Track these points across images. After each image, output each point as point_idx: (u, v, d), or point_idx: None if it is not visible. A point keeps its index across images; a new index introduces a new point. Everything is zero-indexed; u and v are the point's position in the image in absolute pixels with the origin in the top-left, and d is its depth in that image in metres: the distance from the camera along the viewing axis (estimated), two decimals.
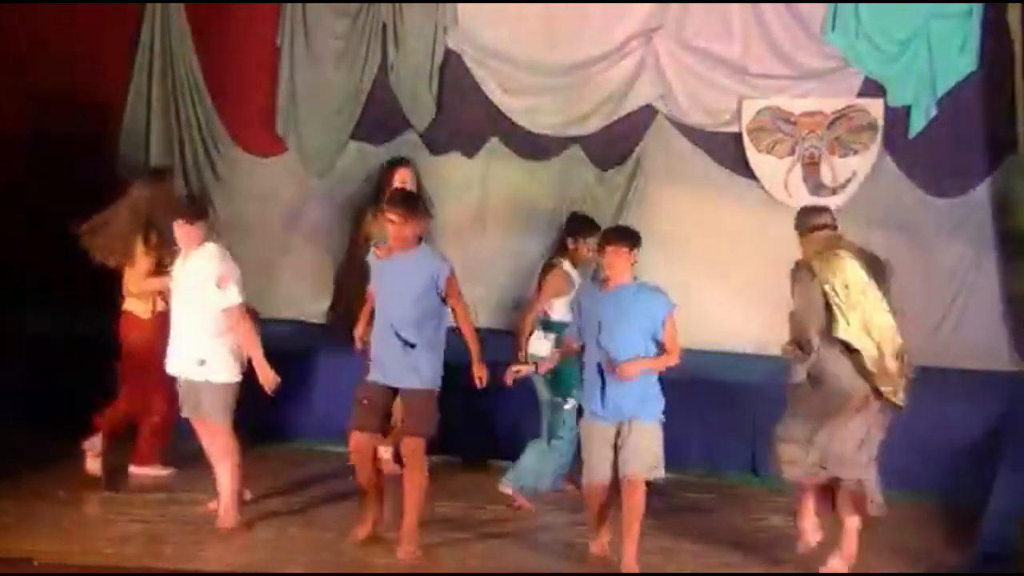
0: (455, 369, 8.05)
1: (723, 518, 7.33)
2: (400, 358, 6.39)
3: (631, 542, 6.34)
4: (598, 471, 6.37)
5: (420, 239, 6.59)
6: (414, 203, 6.63)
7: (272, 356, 8.53)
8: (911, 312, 8.61)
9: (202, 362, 6.67)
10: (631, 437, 6.30)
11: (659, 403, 6.39)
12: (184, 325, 6.77)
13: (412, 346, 6.38)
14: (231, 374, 6.74)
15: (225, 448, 6.71)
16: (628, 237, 6.36)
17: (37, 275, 9.40)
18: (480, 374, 6.61)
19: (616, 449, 6.33)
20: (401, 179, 7.51)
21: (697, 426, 8.06)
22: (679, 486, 7.83)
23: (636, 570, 6.34)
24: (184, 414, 6.86)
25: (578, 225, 7.51)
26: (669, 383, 7.91)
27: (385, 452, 7.60)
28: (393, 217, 6.42)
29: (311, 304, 9.38)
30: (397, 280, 6.42)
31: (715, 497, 7.73)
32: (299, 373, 8.53)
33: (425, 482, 6.57)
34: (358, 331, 6.69)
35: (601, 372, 6.28)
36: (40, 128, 9.69)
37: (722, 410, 8.06)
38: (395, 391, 6.48)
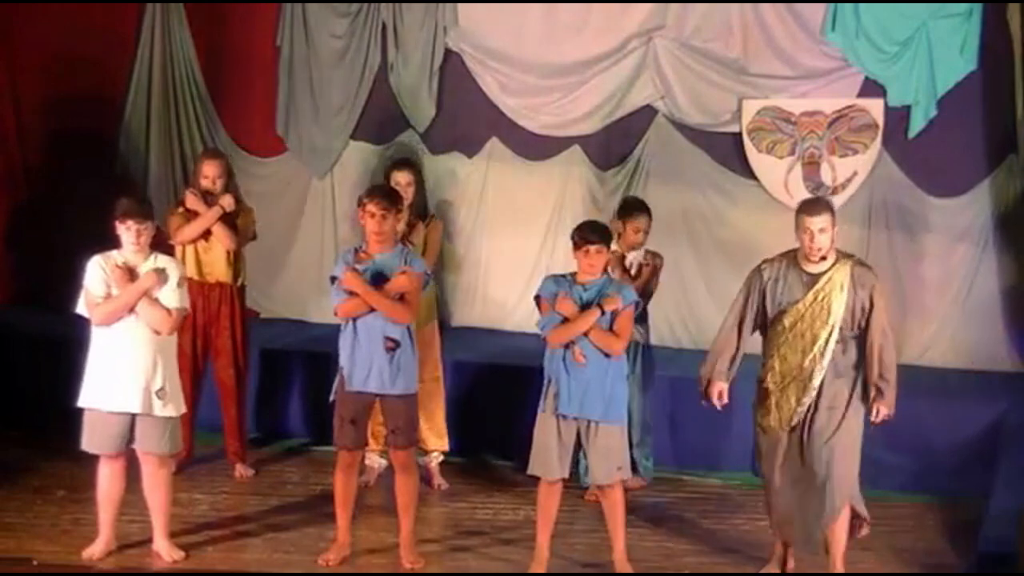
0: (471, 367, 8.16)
1: (723, 518, 7.33)
2: (384, 363, 6.27)
3: (620, 542, 6.33)
4: (555, 470, 6.28)
5: (397, 240, 6.53)
6: (397, 198, 6.50)
7: (273, 356, 8.62)
8: (911, 312, 8.69)
9: (162, 392, 6.32)
10: (597, 442, 6.23)
11: (623, 406, 6.35)
12: (134, 350, 6.29)
13: (398, 344, 6.27)
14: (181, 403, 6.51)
15: (169, 481, 6.54)
16: (607, 237, 6.33)
17: (37, 274, 9.44)
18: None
19: (574, 449, 6.29)
20: (395, 181, 7.45)
21: (697, 426, 8.05)
22: (679, 486, 7.84)
23: (628, 569, 6.33)
24: (115, 449, 6.39)
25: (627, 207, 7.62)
26: (670, 383, 7.97)
27: (372, 460, 7.60)
28: (375, 210, 6.26)
29: (311, 304, 9.37)
30: (380, 281, 6.24)
31: (715, 497, 7.72)
32: (299, 373, 8.55)
33: (418, 486, 6.55)
34: None
35: (566, 367, 6.20)
36: (39, 128, 9.70)
37: (722, 410, 8.04)
38: (375, 395, 6.38)
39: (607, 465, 6.26)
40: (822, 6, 8.63)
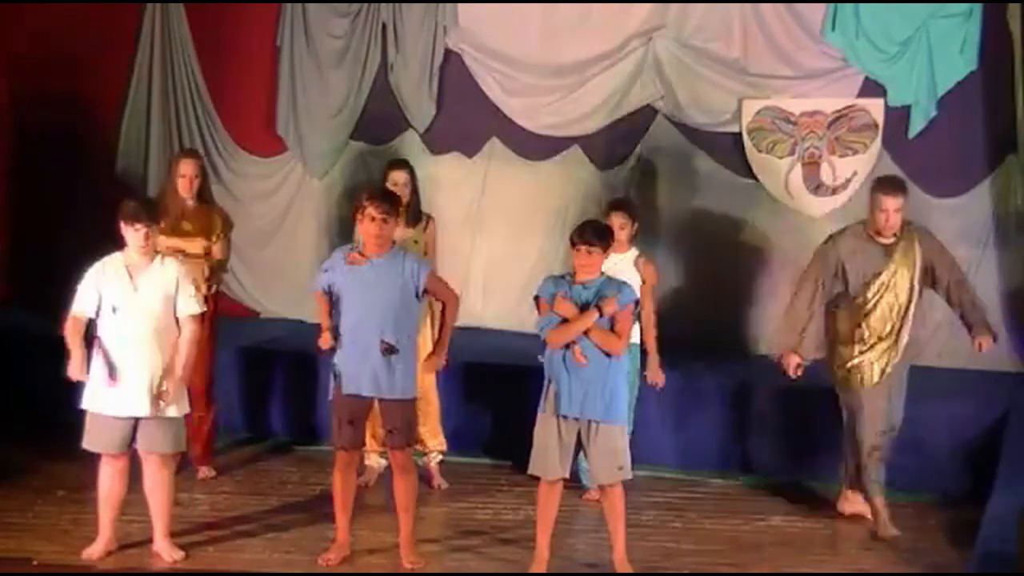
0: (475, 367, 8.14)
1: (723, 518, 7.33)
2: (380, 367, 6.25)
3: (620, 543, 6.32)
4: (556, 470, 6.27)
5: (394, 242, 6.51)
6: (398, 203, 6.50)
7: (273, 356, 8.63)
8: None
9: (165, 393, 6.28)
10: (598, 442, 6.21)
11: (624, 405, 6.34)
12: (140, 354, 6.26)
13: (395, 351, 6.24)
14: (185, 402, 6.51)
15: (170, 481, 6.53)
16: (604, 238, 6.30)
17: (38, 274, 9.44)
18: (440, 363, 6.61)
19: (575, 449, 6.29)
20: (393, 181, 7.46)
21: (699, 426, 8.06)
22: (680, 486, 7.84)
23: (628, 569, 6.33)
24: (117, 449, 6.36)
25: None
26: (669, 383, 7.97)
27: (371, 459, 7.59)
28: (375, 214, 6.23)
29: (311, 304, 9.34)
30: (376, 283, 6.23)
31: (715, 497, 7.72)
32: (298, 373, 8.54)
33: (417, 486, 6.55)
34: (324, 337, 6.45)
35: (566, 367, 6.18)
36: (40, 128, 9.70)
37: (724, 410, 8.06)
38: (371, 398, 6.37)
39: (609, 465, 6.25)
40: (822, 6, 8.64)
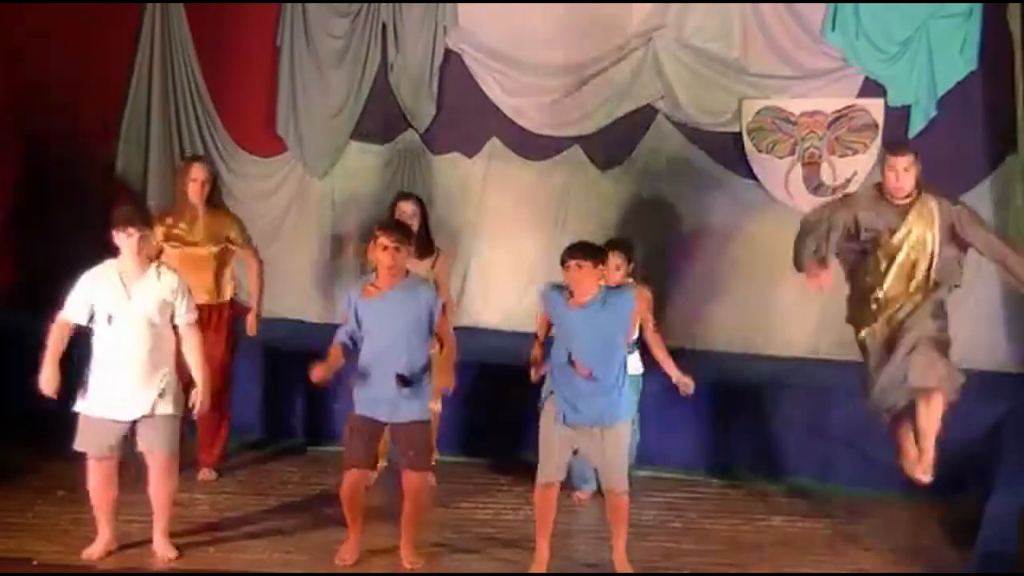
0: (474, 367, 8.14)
1: (723, 518, 7.34)
2: (395, 394, 6.28)
3: (621, 543, 6.34)
4: (556, 474, 6.30)
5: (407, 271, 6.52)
6: (409, 232, 6.56)
7: (272, 356, 8.63)
8: None
9: (162, 393, 6.33)
10: (605, 445, 6.23)
11: (631, 402, 6.35)
12: (134, 360, 6.27)
13: (410, 383, 6.27)
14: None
15: (173, 479, 6.52)
16: (593, 253, 6.27)
17: (38, 275, 9.44)
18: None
19: (577, 451, 6.30)
20: (401, 211, 7.47)
21: (699, 426, 8.06)
22: (680, 486, 7.85)
23: (628, 569, 6.34)
24: (108, 452, 6.40)
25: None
26: (669, 383, 7.97)
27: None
28: (388, 243, 6.28)
29: (311, 304, 9.38)
30: (392, 314, 6.28)
31: (715, 497, 7.72)
32: (299, 373, 8.53)
33: (426, 507, 6.58)
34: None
35: (574, 381, 6.16)
36: (40, 128, 9.69)
37: (724, 410, 8.06)
38: (384, 423, 6.41)
39: (617, 463, 6.28)
40: (822, 6, 8.64)
